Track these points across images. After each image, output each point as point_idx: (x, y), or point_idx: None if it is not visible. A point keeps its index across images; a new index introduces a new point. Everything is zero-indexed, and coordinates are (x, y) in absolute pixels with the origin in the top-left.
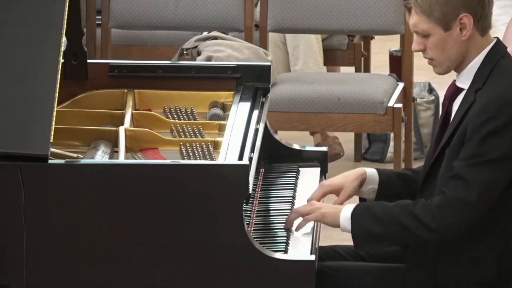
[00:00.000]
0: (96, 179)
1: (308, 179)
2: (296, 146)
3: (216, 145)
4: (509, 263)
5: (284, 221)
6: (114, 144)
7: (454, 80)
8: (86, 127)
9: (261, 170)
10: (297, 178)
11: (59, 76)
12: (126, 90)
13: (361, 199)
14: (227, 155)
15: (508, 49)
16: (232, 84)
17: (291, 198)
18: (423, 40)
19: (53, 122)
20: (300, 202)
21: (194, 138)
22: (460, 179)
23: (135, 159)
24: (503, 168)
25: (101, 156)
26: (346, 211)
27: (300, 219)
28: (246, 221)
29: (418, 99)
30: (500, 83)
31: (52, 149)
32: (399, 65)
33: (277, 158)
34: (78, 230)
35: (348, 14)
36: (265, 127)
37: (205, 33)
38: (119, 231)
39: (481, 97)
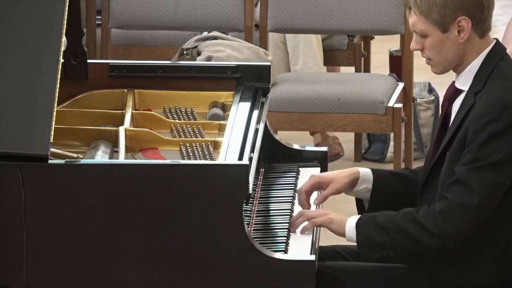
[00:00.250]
0: (96, 179)
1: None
2: (296, 146)
3: (216, 145)
4: (509, 267)
5: (284, 221)
6: (114, 144)
7: (454, 81)
8: (86, 127)
9: (261, 170)
10: (297, 178)
11: (59, 76)
12: (126, 90)
13: (357, 200)
14: (227, 155)
15: (507, 50)
16: (232, 84)
17: (291, 198)
18: (421, 40)
19: (53, 122)
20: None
21: (194, 138)
22: (462, 184)
23: (135, 159)
24: (504, 171)
25: (101, 156)
26: (351, 221)
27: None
28: (246, 221)
29: (418, 99)
30: (500, 85)
31: (52, 149)
32: (399, 65)
33: (277, 158)
34: (78, 230)
35: (348, 14)
36: (265, 127)
37: (205, 33)
38: (119, 231)
39: (481, 100)
